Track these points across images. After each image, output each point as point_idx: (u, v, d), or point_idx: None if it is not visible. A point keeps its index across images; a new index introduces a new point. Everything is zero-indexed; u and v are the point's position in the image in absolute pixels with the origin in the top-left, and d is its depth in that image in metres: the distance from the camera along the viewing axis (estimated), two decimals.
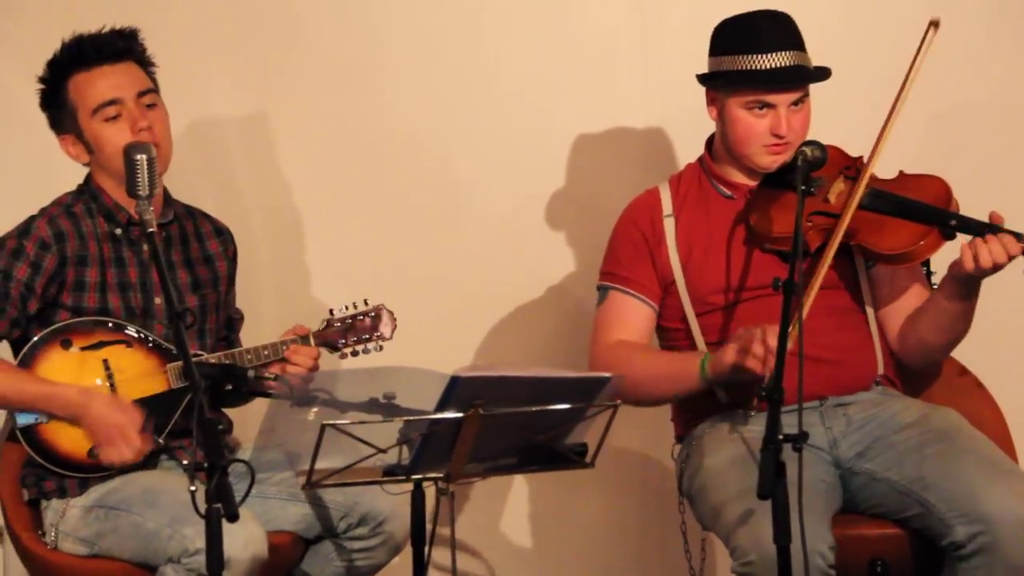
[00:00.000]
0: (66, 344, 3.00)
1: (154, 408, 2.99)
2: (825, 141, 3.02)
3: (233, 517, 2.42)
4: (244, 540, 2.77)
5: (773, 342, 2.82)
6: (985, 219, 3.01)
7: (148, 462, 3.01)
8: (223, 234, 3.26)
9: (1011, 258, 2.97)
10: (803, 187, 2.83)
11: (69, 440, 2.97)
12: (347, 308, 3.12)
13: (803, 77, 3.11)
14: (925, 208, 3.06)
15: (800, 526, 2.63)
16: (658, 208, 3.22)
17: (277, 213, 3.76)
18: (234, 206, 3.63)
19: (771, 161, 3.14)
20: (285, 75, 3.77)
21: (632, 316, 3.20)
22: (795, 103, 3.11)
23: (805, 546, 2.65)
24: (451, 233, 3.78)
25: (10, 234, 3.05)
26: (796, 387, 2.65)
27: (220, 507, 2.42)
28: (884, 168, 3.12)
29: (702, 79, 3.18)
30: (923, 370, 3.24)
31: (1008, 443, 3.17)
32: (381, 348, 3.12)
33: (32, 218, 3.06)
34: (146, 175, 2.66)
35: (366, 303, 3.12)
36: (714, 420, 3.14)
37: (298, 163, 3.77)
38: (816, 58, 3.16)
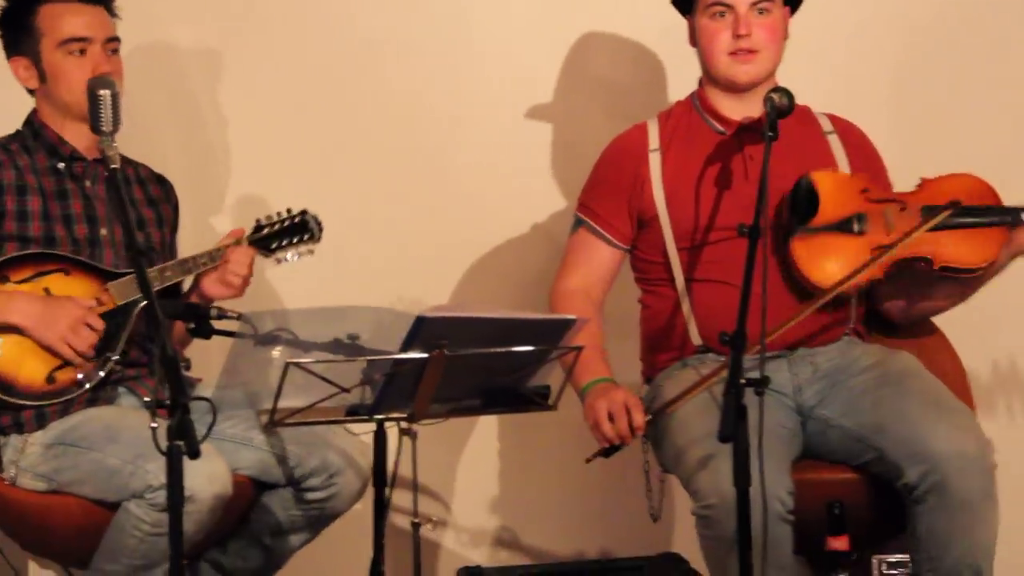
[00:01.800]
0: (3, 279, 2.98)
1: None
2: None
3: (195, 454, 2.41)
4: (208, 475, 2.77)
5: (623, 426, 2.97)
6: None
7: (105, 394, 3.00)
8: (164, 183, 3.27)
9: None
10: (770, 133, 2.83)
11: (27, 371, 2.95)
12: (275, 216, 3.14)
13: None
14: (991, 210, 3.07)
15: (760, 471, 2.65)
16: (644, 143, 3.22)
17: (243, 154, 3.73)
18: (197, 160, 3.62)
19: (739, 72, 3.12)
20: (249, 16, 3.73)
21: (597, 257, 3.23)
22: (758, 8, 3.11)
23: (764, 490, 2.68)
24: (431, 173, 3.76)
25: None
26: (765, 332, 2.67)
27: (182, 444, 2.42)
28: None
29: (675, 3, 3.22)
30: (908, 326, 3.26)
31: (967, 395, 3.19)
32: (312, 252, 3.14)
33: None
34: (110, 110, 2.63)
35: (290, 211, 3.15)
36: (680, 364, 3.15)
37: (270, 102, 3.72)
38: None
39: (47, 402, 2.96)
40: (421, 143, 3.76)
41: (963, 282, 3.12)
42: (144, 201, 3.19)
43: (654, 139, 3.22)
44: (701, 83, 3.25)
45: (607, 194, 3.22)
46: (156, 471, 2.78)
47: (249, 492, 3.03)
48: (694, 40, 3.20)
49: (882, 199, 3.11)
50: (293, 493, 3.01)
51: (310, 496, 3.01)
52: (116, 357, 2.98)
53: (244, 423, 2.98)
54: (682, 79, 3.38)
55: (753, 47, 3.12)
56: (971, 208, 3.08)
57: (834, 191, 3.09)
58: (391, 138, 3.74)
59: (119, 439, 2.89)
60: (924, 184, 3.13)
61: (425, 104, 3.75)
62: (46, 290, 2.98)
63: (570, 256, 3.26)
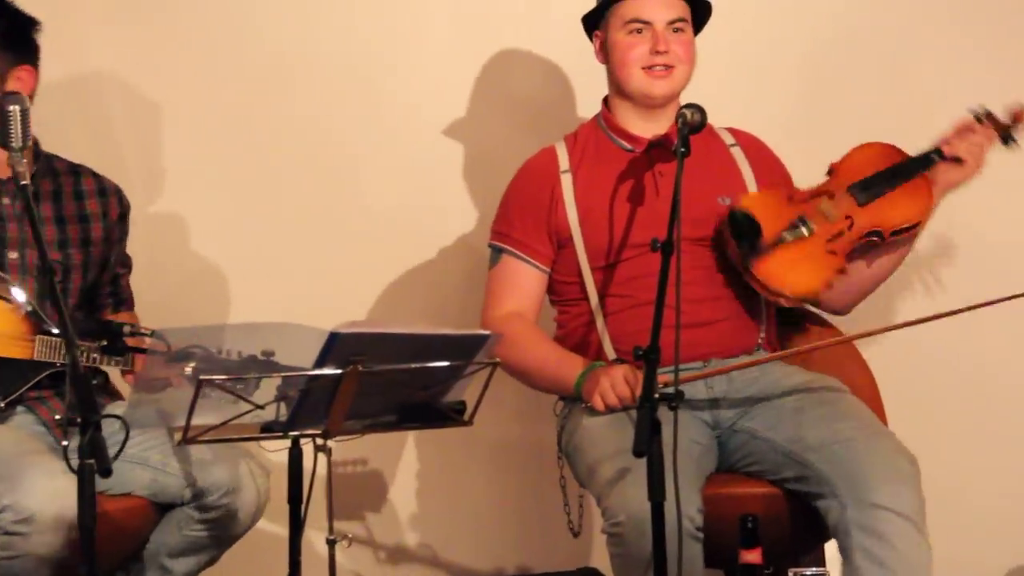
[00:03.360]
0: None
1: (6, 371, 2.95)
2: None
3: (106, 473, 2.39)
4: (50, 494, 2.73)
5: (626, 392, 2.98)
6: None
7: None
8: (106, 194, 3.22)
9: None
10: (682, 149, 2.85)
11: None
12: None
13: None
14: (909, 164, 3.17)
15: (675, 486, 2.65)
16: (554, 165, 3.23)
17: (159, 175, 3.70)
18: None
19: (655, 87, 3.15)
20: (173, 28, 3.72)
21: (524, 282, 3.22)
22: (674, 27, 3.14)
23: (679, 505, 2.69)
24: (347, 190, 3.75)
25: None
26: (678, 345, 2.67)
27: (93, 463, 2.40)
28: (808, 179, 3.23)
29: (584, 19, 3.23)
30: (844, 307, 3.29)
31: (879, 408, 3.23)
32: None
33: None
34: (19, 126, 2.61)
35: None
36: None
37: (184, 119, 3.71)
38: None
39: None
40: (336, 160, 3.75)
41: (908, 240, 3.20)
42: (73, 217, 3.15)
43: (564, 160, 3.23)
44: (606, 102, 3.27)
45: (525, 218, 3.22)
46: (3, 492, 2.73)
47: (146, 513, 2.99)
48: (603, 56, 3.22)
49: (809, 197, 3.18)
50: (190, 512, 2.98)
51: (208, 516, 2.97)
52: (1, 405, 2.95)
53: (141, 443, 2.94)
54: (592, 97, 3.39)
55: (670, 63, 3.15)
56: (890, 170, 3.17)
57: (766, 208, 3.15)
58: (305, 155, 3.74)
59: None
60: (834, 168, 3.22)
61: (340, 120, 3.75)
62: None
63: (496, 287, 3.24)
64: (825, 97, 3.79)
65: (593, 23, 3.24)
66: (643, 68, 3.15)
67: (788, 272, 3.12)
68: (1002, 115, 3.22)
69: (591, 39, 3.26)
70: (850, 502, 2.89)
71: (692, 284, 3.03)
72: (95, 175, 3.23)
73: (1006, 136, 3.22)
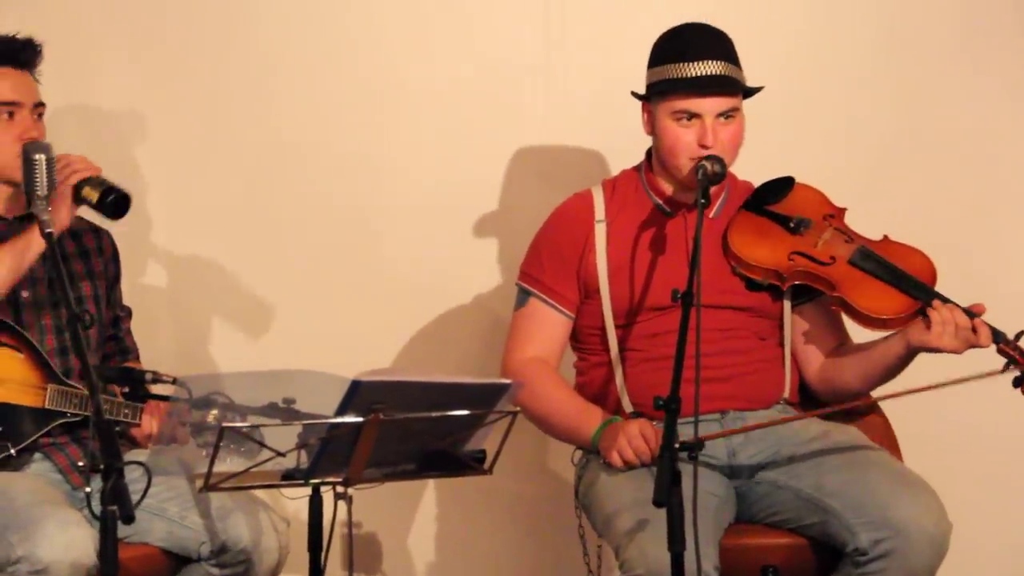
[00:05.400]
0: None
1: (18, 419, 2.95)
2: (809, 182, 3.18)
3: (128, 519, 2.40)
4: (64, 545, 2.73)
5: (643, 447, 2.98)
6: (967, 304, 3.08)
7: (13, 462, 2.95)
8: (99, 232, 3.23)
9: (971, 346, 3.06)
10: (702, 200, 2.86)
11: None
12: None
13: (727, 85, 3.11)
14: (914, 281, 3.13)
15: (695, 537, 2.65)
16: (590, 212, 3.23)
17: (179, 216, 3.73)
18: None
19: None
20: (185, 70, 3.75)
21: (549, 328, 3.22)
22: (724, 116, 3.11)
23: (699, 557, 2.68)
24: (371, 240, 3.78)
25: None
26: (698, 397, 2.68)
27: (116, 509, 2.41)
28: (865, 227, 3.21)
29: (636, 94, 3.20)
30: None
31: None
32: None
33: None
34: (44, 174, 2.64)
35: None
36: None
37: (201, 167, 3.73)
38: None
39: None
40: (360, 211, 3.77)
41: (863, 348, 3.17)
42: (75, 254, 3.16)
43: (600, 210, 3.23)
44: (650, 159, 3.25)
45: (554, 263, 3.21)
46: (18, 542, 2.73)
47: (163, 563, 2.98)
48: (651, 128, 3.18)
49: (835, 226, 3.20)
50: (210, 567, 2.97)
51: (227, 571, 2.96)
52: (13, 453, 2.94)
53: (160, 494, 2.93)
54: (619, 153, 3.40)
55: (717, 154, 3.09)
56: (896, 269, 3.14)
57: (804, 198, 3.20)
58: (330, 205, 3.76)
59: None
60: (884, 240, 3.21)
61: (364, 171, 3.77)
62: None
63: (520, 329, 3.24)
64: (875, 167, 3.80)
65: (646, 95, 3.19)
66: (690, 156, 3.11)
67: (749, 235, 3.16)
68: None
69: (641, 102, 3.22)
70: (872, 548, 2.89)
71: (712, 340, 3.03)
72: (80, 218, 3.19)
73: (1011, 364, 3.07)
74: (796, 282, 3.16)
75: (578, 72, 3.74)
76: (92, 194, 2.90)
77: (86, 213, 3.02)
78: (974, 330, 3.05)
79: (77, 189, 2.89)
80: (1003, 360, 3.07)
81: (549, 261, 3.23)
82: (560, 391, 3.19)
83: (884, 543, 2.88)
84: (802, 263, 3.15)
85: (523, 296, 3.26)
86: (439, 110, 3.78)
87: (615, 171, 3.35)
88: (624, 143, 3.35)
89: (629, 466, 3.02)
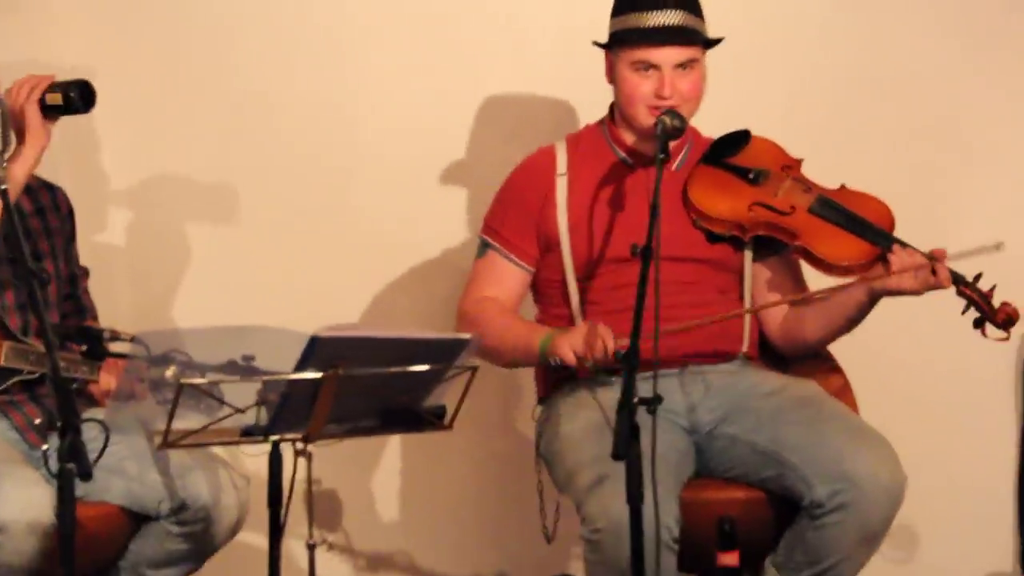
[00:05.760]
0: None
1: None
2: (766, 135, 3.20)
3: (86, 476, 2.39)
4: (22, 504, 2.72)
5: (611, 346, 2.93)
6: (927, 248, 3.10)
7: None
8: (53, 190, 3.21)
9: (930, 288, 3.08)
10: (661, 155, 2.87)
11: None
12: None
13: (685, 35, 3.11)
14: (873, 228, 3.15)
15: (654, 492, 2.67)
16: (551, 166, 3.24)
17: (145, 184, 3.69)
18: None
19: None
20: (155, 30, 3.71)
21: (507, 280, 3.24)
22: (682, 66, 3.12)
23: (658, 511, 2.71)
24: (334, 196, 3.76)
25: None
26: (657, 351, 2.70)
27: (73, 467, 2.40)
28: (824, 177, 3.22)
29: (598, 43, 3.20)
30: (793, 357, 3.31)
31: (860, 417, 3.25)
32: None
33: None
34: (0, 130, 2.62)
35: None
36: (574, 385, 3.17)
37: (174, 129, 3.71)
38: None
39: None
40: (323, 166, 3.75)
41: (821, 299, 3.18)
42: (32, 212, 3.13)
43: (562, 163, 3.24)
44: (613, 114, 3.26)
45: (514, 217, 3.23)
46: None
47: (122, 522, 2.97)
48: (611, 77, 3.20)
49: (793, 176, 3.22)
50: (169, 526, 2.96)
51: (187, 529, 2.96)
52: None
53: (118, 452, 2.90)
54: (587, 106, 3.40)
55: (675, 104, 3.10)
56: (855, 216, 3.16)
57: (762, 150, 3.23)
58: (291, 160, 3.74)
59: None
60: (842, 188, 3.23)
61: (326, 125, 3.75)
62: None
63: (478, 277, 3.26)
64: (832, 122, 3.82)
65: (607, 43, 3.20)
66: (648, 106, 3.14)
67: (709, 188, 3.17)
68: (985, 292, 3.11)
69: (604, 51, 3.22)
70: (828, 501, 2.92)
71: (672, 292, 3.03)
72: (47, 185, 3.21)
73: (972, 306, 3.12)
74: (758, 233, 3.18)
75: (546, 21, 3.73)
76: (56, 98, 2.89)
77: (62, 125, 2.96)
78: (934, 272, 3.07)
79: (42, 105, 2.87)
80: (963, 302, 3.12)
81: (509, 214, 3.24)
82: (509, 317, 3.19)
83: (840, 495, 2.91)
84: (763, 213, 3.17)
85: (483, 248, 3.27)
86: (404, 61, 3.76)
87: (585, 123, 3.35)
88: (593, 94, 3.34)
89: (582, 364, 2.99)
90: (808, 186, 3.22)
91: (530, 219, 3.21)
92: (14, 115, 2.85)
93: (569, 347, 3.00)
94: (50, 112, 2.91)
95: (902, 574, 3.77)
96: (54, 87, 2.90)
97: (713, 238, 3.20)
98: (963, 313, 3.12)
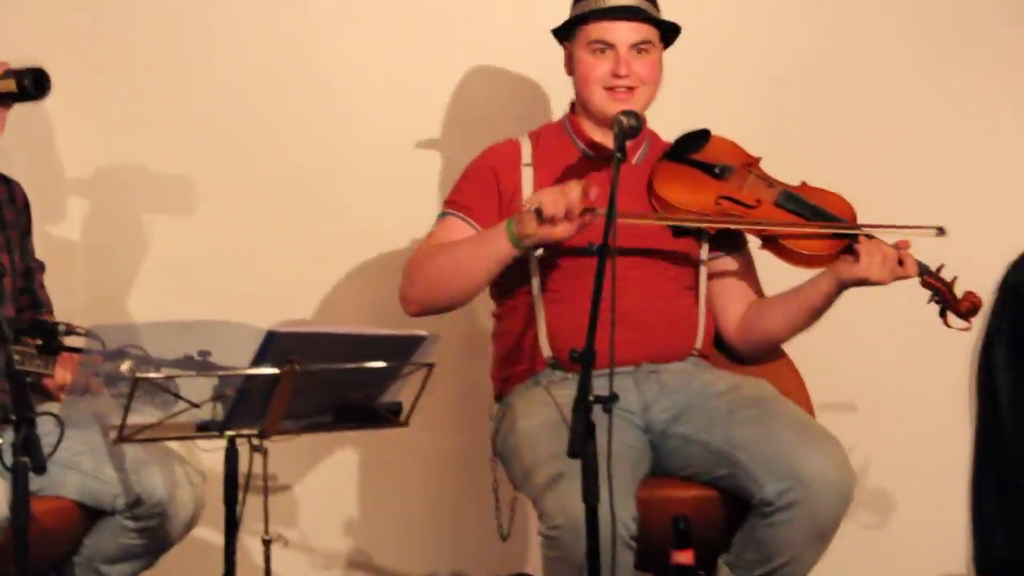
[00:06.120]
0: None
1: None
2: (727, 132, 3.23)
3: (40, 470, 2.39)
4: None
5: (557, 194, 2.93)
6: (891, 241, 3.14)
7: None
8: (9, 183, 3.19)
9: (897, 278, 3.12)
10: (618, 155, 2.87)
11: None
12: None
13: (640, 14, 3.17)
14: (839, 220, 3.19)
15: (609, 489, 2.67)
16: (517, 156, 3.25)
17: (93, 164, 3.67)
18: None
19: (615, 108, 3.13)
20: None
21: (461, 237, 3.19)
22: (637, 48, 3.17)
23: (613, 508, 2.71)
24: (296, 190, 3.75)
25: None
26: (613, 349, 2.70)
27: (27, 460, 2.40)
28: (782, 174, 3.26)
29: (555, 32, 3.26)
30: (753, 356, 3.33)
31: (810, 412, 3.27)
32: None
33: None
34: None
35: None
36: (532, 382, 3.19)
37: (116, 109, 3.68)
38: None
39: None
40: (282, 158, 3.74)
41: (794, 300, 3.21)
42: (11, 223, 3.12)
43: (527, 154, 3.26)
44: (573, 108, 3.30)
45: (478, 193, 3.22)
46: None
47: (76, 516, 2.96)
48: (570, 68, 3.25)
49: (755, 172, 3.25)
50: (124, 521, 2.95)
51: (142, 524, 2.95)
52: None
53: (73, 447, 2.90)
54: (562, 103, 3.41)
55: (631, 84, 3.17)
56: (820, 209, 3.20)
57: (722, 148, 3.26)
58: (252, 151, 3.73)
59: None
60: (803, 185, 3.27)
61: (289, 117, 3.74)
62: None
63: (430, 237, 3.22)
64: (793, 120, 3.85)
65: (562, 34, 3.26)
66: (604, 88, 3.18)
67: (674, 182, 3.19)
68: (948, 282, 3.17)
69: (562, 46, 3.28)
70: (777, 499, 2.93)
71: (628, 289, 3.05)
72: (3, 178, 3.19)
73: (935, 296, 3.18)
74: (721, 227, 3.20)
75: (529, 26, 3.74)
76: (9, 85, 2.87)
77: (19, 116, 2.94)
78: (900, 262, 3.11)
79: None
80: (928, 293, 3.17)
81: (472, 191, 3.24)
82: (461, 240, 3.16)
83: (789, 494, 2.93)
84: (729, 207, 3.19)
85: (440, 217, 3.26)
86: (371, 49, 3.76)
87: (558, 115, 3.37)
88: (557, 87, 3.36)
89: (544, 219, 2.96)
90: (771, 182, 3.25)
91: (493, 198, 3.20)
92: None
93: (538, 202, 2.98)
94: (2, 99, 2.89)
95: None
96: (7, 74, 2.89)
97: (677, 232, 3.22)
98: (928, 303, 3.17)
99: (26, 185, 3.22)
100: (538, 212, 2.98)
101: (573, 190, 2.97)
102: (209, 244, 3.67)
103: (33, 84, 2.88)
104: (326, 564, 3.76)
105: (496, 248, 3.08)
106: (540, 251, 3.15)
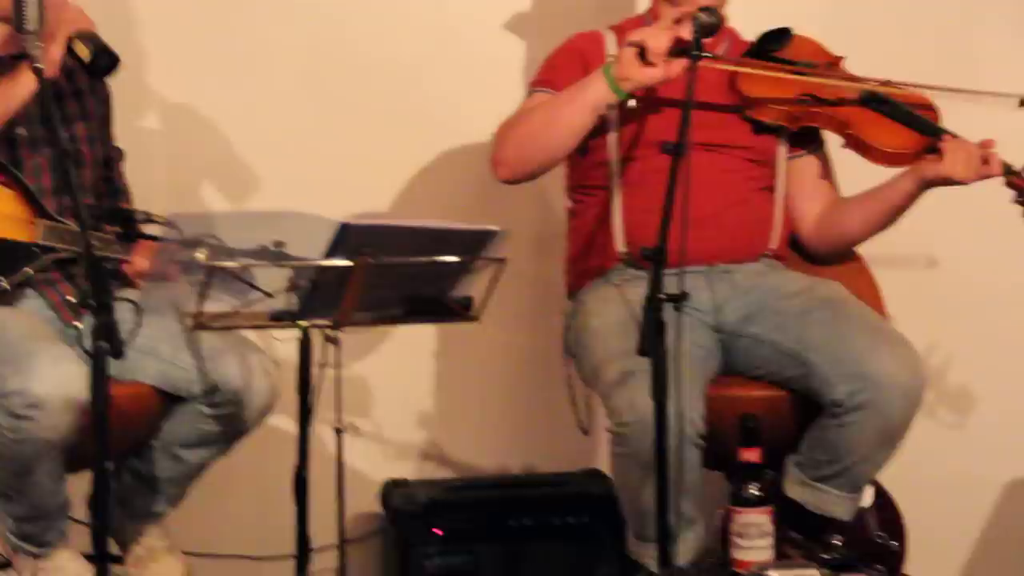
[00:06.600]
0: None
1: (10, 254, 2.96)
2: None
3: (119, 355, 2.44)
4: (57, 379, 2.74)
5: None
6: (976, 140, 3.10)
7: (5, 298, 2.96)
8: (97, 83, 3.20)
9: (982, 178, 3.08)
10: (695, 52, 2.85)
11: None
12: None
13: None
14: (923, 120, 3.15)
15: (677, 387, 2.69)
16: (602, 48, 3.22)
17: (175, 56, 3.68)
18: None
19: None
20: None
21: None
22: None
23: (681, 406, 2.73)
24: (367, 83, 3.73)
25: None
26: (685, 248, 2.70)
27: (106, 345, 2.45)
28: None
29: None
30: (828, 257, 3.32)
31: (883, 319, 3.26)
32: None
33: None
34: (35, 7, 2.62)
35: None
36: (601, 281, 3.19)
37: (206, 7, 3.69)
38: None
39: None
40: (357, 51, 3.72)
41: (875, 198, 3.18)
42: (70, 94, 3.13)
43: (611, 46, 3.22)
44: (654, 2, 3.26)
45: (567, 71, 3.17)
46: (11, 375, 2.75)
47: (154, 401, 3.01)
48: None
49: (839, 70, 3.21)
50: (201, 407, 2.99)
51: (218, 411, 2.99)
52: (7, 287, 2.95)
53: (153, 332, 2.93)
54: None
55: (712, 4, 3.07)
56: (905, 107, 3.16)
57: (805, 47, 3.21)
58: (328, 45, 3.71)
59: None
60: (887, 83, 3.21)
61: (359, 12, 3.73)
62: None
63: (522, 111, 3.18)
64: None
65: None
66: None
67: (757, 77, 3.14)
68: None
69: None
70: (848, 400, 2.93)
71: (705, 188, 3.01)
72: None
73: (1020, 196, 3.12)
74: (807, 124, 3.17)
75: None
76: (84, 51, 2.89)
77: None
78: (985, 160, 3.06)
79: (68, 41, 2.88)
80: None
81: (559, 65, 3.20)
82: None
83: (859, 395, 2.92)
84: (813, 103, 3.15)
85: (529, 95, 3.23)
86: None
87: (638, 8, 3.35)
88: None
89: (648, 56, 2.95)
90: (854, 79, 3.20)
91: (582, 75, 3.12)
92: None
93: (639, 39, 2.95)
94: (70, 54, 2.91)
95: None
96: (88, 38, 2.90)
97: (757, 129, 3.18)
98: (1012, 203, 3.12)
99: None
100: (640, 52, 2.95)
101: (672, 27, 2.93)
102: (287, 135, 3.67)
103: (103, 69, 2.91)
104: (398, 455, 3.80)
105: (593, 95, 3.04)
106: (633, 102, 3.08)
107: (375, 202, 3.72)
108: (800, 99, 3.17)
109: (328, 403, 2.78)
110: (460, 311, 2.73)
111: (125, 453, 3.06)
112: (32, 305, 3.02)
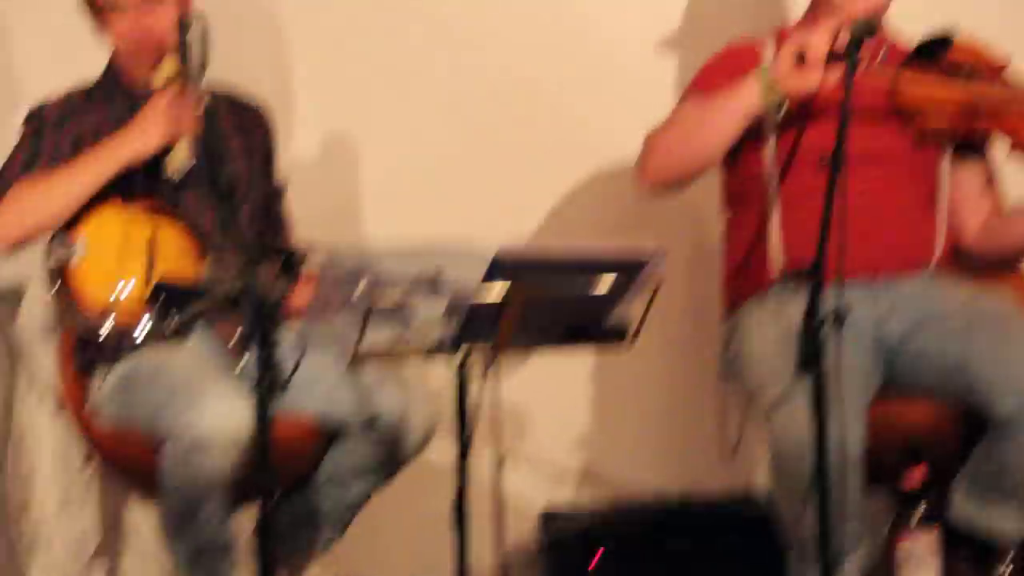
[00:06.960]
0: (127, 198, 3.00)
1: (177, 292, 2.99)
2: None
3: (282, 389, 2.48)
4: (223, 415, 2.79)
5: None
6: None
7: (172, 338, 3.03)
8: (255, 108, 3.27)
9: None
10: (853, 53, 2.80)
11: (95, 282, 2.95)
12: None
13: None
14: None
15: (838, 409, 2.65)
16: (758, 55, 3.16)
17: (328, 94, 3.74)
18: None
19: (853, 5, 3.07)
20: None
21: None
22: None
23: (842, 435, 2.69)
24: (522, 110, 3.75)
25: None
26: (843, 263, 2.65)
27: (270, 379, 2.49)
28: None
29: None
30: (991, 268, 3.26)
31: None
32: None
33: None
34: (201, 47, 2.69)
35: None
36: (760, 298, 3.14)
37: (351, 36, 3.73)
38: None
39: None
40: (512, 78, 3.74)
41: None
42: (231, 129, 3.19)
43: (770, 54, 3.16)
44: (812, 7, 3.21)
45: (721, 77, 3.12)
46: (177, 415, 2.81)
47: (315, 436, 3.04)
48: None
49: (1004, 77, 3.15)
50: (360, 439, 3.02)
51: (378, 442, 3.02)
52: (175, 324, 3.00)
53: (314, 366, 2.93)
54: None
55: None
56: None
57: (968, 51, 3.15)
58: (481, 72, 3.74)
59: (161, 377, 2.93)
60: None
61: (516, 37, 3.75)
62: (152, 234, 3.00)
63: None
64: None
65: None
66: None
67: (927, 84, 3.08)
68: None
69: None
70: (1018, 414, 2.87)
71: (865, 201, 2.95)
72: (240, 94, 3.25)
73: None
74: (970, 130, 3.11)
75: None
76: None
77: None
78: None
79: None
80: None
81: (713, 72, 3.16)
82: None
83: None
84: (970, 95, 3.09)
85: (680, 100, 3.19)
86: None
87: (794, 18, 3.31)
88: None
89: (807, 59, 2.92)
90: (1020, 85, 3.14)
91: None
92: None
93: (801, 42, 2.92)
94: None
95: None
96: (183, 52, 2.85)
97: (917, 138, 3.13)
98: None
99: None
100: (799, 57, 2.91)
101: (831, 33, 2.89)
102: (438, 160, 3.70)
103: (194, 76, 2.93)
104: (557, 479, 3.80)
105: (746, 99, 3.01)
106: (784, 109, 3.03)
107: (526, 224, 3.74)
108: (962, 105, 3.11)
109: (486, 431, 2.79)
110: (616, 337, 2.72)
111: (289, 487, 3.09)
112: (198, 340, 3.08)
